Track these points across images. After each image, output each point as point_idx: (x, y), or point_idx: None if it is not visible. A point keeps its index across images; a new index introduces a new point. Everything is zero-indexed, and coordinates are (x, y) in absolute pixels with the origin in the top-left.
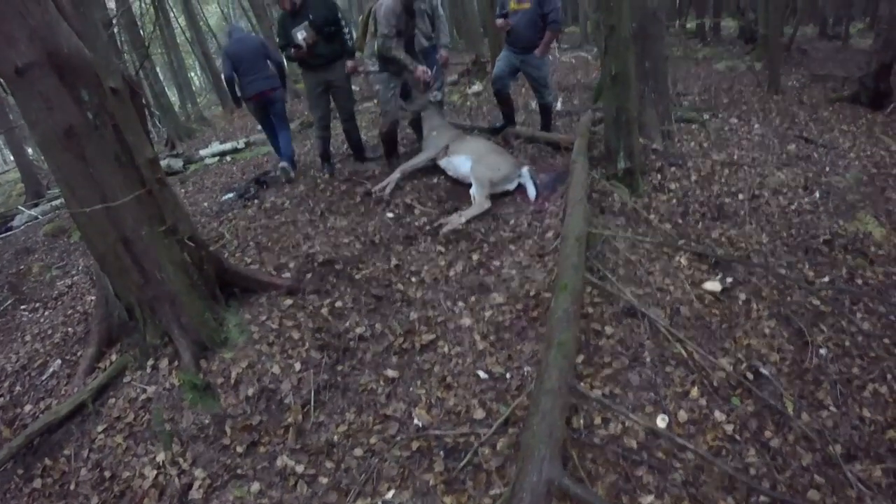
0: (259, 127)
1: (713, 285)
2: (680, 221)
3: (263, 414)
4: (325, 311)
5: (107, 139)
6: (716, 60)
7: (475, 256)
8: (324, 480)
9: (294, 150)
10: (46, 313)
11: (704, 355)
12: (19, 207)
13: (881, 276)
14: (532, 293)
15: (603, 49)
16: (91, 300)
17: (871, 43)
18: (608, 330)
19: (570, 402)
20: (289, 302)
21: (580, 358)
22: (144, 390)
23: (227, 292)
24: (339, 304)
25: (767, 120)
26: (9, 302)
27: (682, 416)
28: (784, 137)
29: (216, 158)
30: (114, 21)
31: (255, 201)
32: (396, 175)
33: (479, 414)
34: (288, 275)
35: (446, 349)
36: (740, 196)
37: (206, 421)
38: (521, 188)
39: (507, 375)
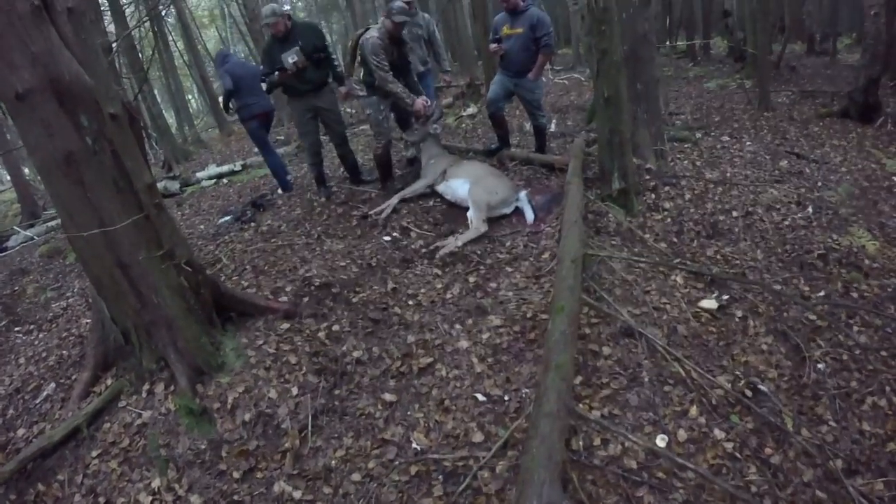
0: (256, 150)
1: (709, 303)
2: (675, 240)
3: (260, 439)
4: (322, 334)
5: (105, 165)
6: (706, 79)
7: (472, 279)
8: None
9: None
10: (41, 335)
11: (702, 373)
12: (15, 228)
13: (876, 288)
14: (529, 315)
15: (595, 72)
16: (86, 323)
17: (858, 58)
18: (606, 350)
19: (569, 424)
20: (286, 326)
21: (578, 379)
22: (140, 415)
23: (224, 316)
24: (336, 327)
25: (759, 137)
26: (3, 323)
27: (682, 435)
28: (776, 154)
29: (213, 181)
30: (114, 47)
31: (252, 224)
32: (394, 200)
33: (478, 437)
34: (285, 298)
35: (444, 372)
36: (734, 213)
37: (203, 446)
38: (518, 211)
39: (506, 398)
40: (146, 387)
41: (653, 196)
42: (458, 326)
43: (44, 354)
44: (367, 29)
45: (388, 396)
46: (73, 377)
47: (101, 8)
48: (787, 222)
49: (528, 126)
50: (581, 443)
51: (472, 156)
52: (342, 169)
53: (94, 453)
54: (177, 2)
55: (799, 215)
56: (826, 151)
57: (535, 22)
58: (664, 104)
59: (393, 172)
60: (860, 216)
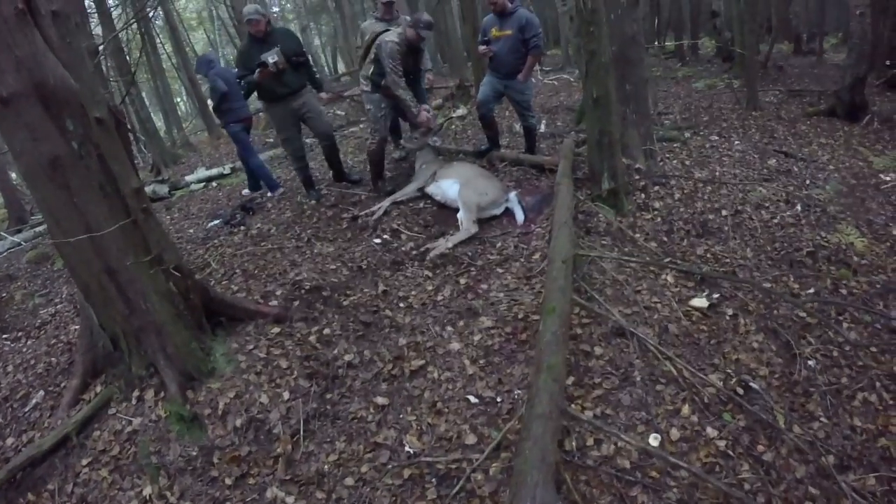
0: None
1: (700, 302)
2: (665, 239)
3: (252, 444)
4: (312, 338)
5: (92, 169)
6: (695, 79)
7: (463, 280)
8: None
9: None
10: (29, 343)
11: (694, 372)
12: (2, 233)
13: (865, 285)
14: (520, 316)
15: (584, 73)
16: (75, 329)
17: (844, 58)
18: (597, 351)
19: (562, 425)
20: (276, 330)
21: (570, 380)
22: (130, 422)
23: (214, 321)
24: (326, 331)
25: (747, 136)
26: None
27: (675, 433)
28: (764, 153)
29: (202, 184)
30: (100, 50)
31: (242, 228)
32: (386, 203)
33: (471, 439)
34: (275, 302)
35: (436, 374)
36: (723, 212)
37: (194, 453)
38: (508, 212)
39: (498, 399)
40: (136, 393)
41: (642, 196)
42: (449, 328)
43: (32, 362)
44: (388, 30)
45: (380, 400)
46: (62, 385)
47: (88, 10)
48: (776, 220)
49: (517, 127)
50: (574, 443)
51: (462, 157)
52: (331, 171)
53: (85, 462)
54: (164, 4)
55: (788, 213)
56: (814, 150)
57: (523, 23)
58: (653, 104)
59: (384, 173)
60: (848, 213)
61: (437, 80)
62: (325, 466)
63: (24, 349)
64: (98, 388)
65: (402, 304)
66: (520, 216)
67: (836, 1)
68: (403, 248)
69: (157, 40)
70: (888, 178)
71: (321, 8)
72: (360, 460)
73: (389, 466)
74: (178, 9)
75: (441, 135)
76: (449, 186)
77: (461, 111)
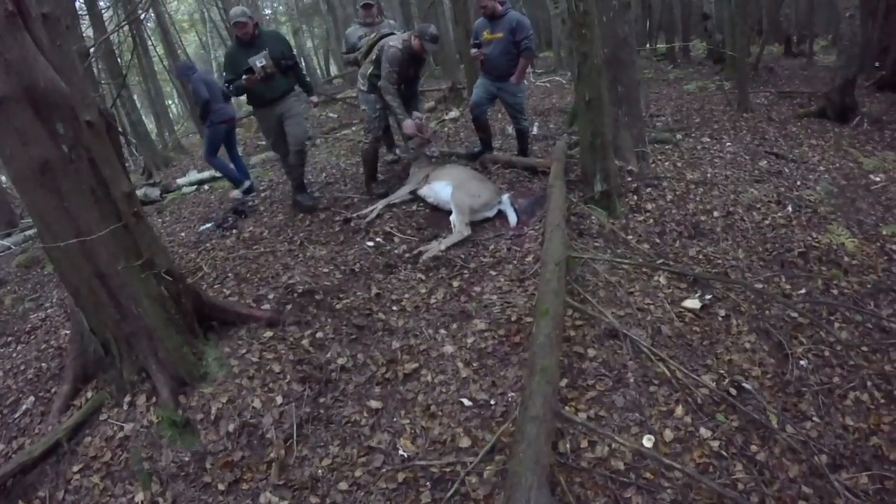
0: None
1: (692, 303)
2: (658, 241)
3: (245, 449)
4: (305, 342)
5: (82, 173)
6: (686, 82)
7: (456, 283)
8: None
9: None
10: (19, 348)
11: (687, 373)
12: None
13: (856, 285)
14: (514, 319)
15: (576, 75)
16: (66, 334)
17: (834, 59)
18: (591, 352)
19: (556, 427)
20: (269, 334)
21: (564, 382)
22: (122, 428)
23: (206, 325)
24: (319, 334)
25: (738, 137)
26: None
27: (668, 435)
28: (755, 154)
29: (194, 187)
30: (91, 52)
31: (234, 231)
32: (380, 206)
33: (465, 442)
34: (267, 306)
35: (429, 378)
36: (715, 213)
37: (186, 458)
38: (501, 215)
39: (492, 402)
40: (127, 399)
41: (635, 198)
42: (442, 331)
43: (22, 367)
44: (393, 34)
45: (373, 403)
46: (53, 390)
47: (79, 13)
48: (767, 221)
49: (510, 129)
50: (568, 445)
51: (455, 159)
52: (324, 174)
53: (76, 468)
54: (156, 6)
55: (779, 214)
56: (804, 151)
57: (514, 26)
58: (645, 106)
59: (377, 175)
60: (839, 214)
61: (429, 83)
62: (319, 471)
63: (14, 354)
64: (89, 394)
65: (395, 308)
66: (513, 218)
67: (826, 3)
68: (396, 251)
69: (149, 43)
70: (878, 179)
71: (313, 10)
72: (353, 464)
73: (383, 470)
74: (170, 11)
75: (435, 139)
76: (442, 189)
77: (454, 114)
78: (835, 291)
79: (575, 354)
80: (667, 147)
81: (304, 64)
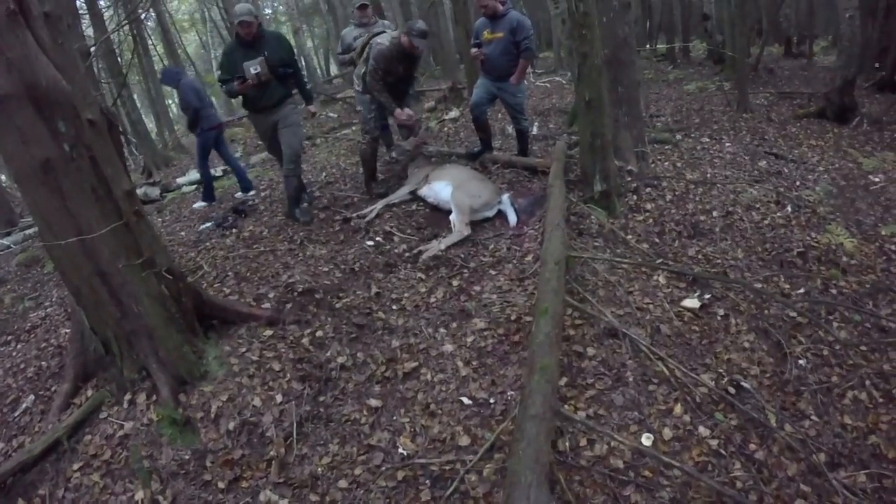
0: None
1: (692, 302)
2: (657, 241)
3: (245, 448)
4: (305, 341)
5: (83, 171)
6: (686, 82)
7: (455, 282)
8: None
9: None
10: (19, 346)
11: (686, 372)
12: None
13: (854, 285)
14: (513, 318)
15: (577, 75)
16: (66, 333)
17: (834, 60)
18: (590, 351)
19: (555, 426)
20: (269, 333)
21: (563, 380)
22: (122, 426)
23: (206, 324)
24: (319, 333)
25: (738, 138)
26: None
27: (667, 433)
28: (755, 154)
29: (194, 187)
30: (92, 51)
31: (234, 230)
32: (379, 205)
33: (465, 441)
34: (267, 305)
35: (429, 376)
36: (714, 213)
37: (186, 457)
38: (501, 214)
39: (491, 401)
40: (128, 397)
41: (634, 197)
42: (442, 330)
43: (22, 366)
44: (384, 32)
45: (373, 402)
46: (53, 389)
47: (80, 11)
48: (766, 221)
49: (510, 129)
50: (567, 444)
51: (455, 159)
52: (324, 174)
53: (76, 466)
54: (157, 5)
55: (778, 214)
56: (804, 151)
57: (514, 26)
58: (645, 107)
59: (377, 174)
60: (838, 214)
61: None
62: (319, 469)
63: (14, 353)
64: (89, 392)
65: (394, 307)
66: (512, 218)
67: (826, 4)
68: (396, 251)
69: (149, 42)
70: (877, 179)
71: (314, 10)
72: (353, 462)
73: (383, 468)
74: (171, 10)
75: (431, 135)
76: (442, 189)
77: (454, 113)
78: (833, 291)
79: (574, 353)
80: (666, 147)
81: (303, 64)
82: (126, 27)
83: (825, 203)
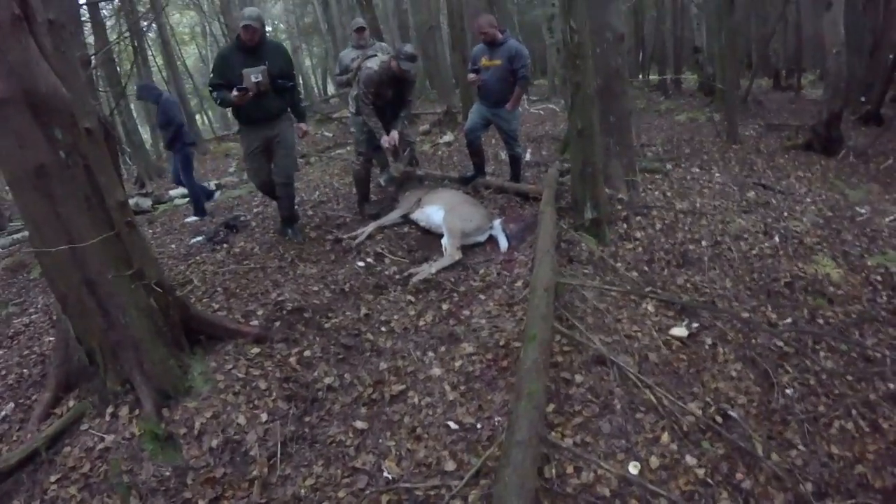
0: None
1: (680, 331)
2: (646, 269)
3: (228, 466)
4: (293, 360)
5: (77, 179)
6: (677, 112)
7: (445, 306)
8: None
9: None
10: (1, 353)
11: (673, 400)
12: None
13: (841, 315)
14: (502, 343)
15: (570, 104)
16: (49, 341)
17: (821, 93)
18: (578, 378)
19: (542, 452)
20: (256, 350)
21: (551, 407)
22: (102, 439)
23: (193, 339)
24: (307, 353)
25: (727, 168)
26: None
27: (654, 461)
28: (743, 185)
29: (186, 199)
30: (93, 60)
31: (225, 245)
32: (370, 227)
33: (450, 465)
34: (256, 322)
35: (416, 400)
36: (703, 243)
37: (167, 473)
38: (492, 239)
39: (478, 426)
40: (110, 410)
41: (624, 226)
42: (430, 354)
43: (3, 373)
44: (375, 55)
45: (359, 424)
46: (34, 397)
47: (82, 19)
48: (754, 251)
49: (503, 155)
50: (554, 471)
51: (448, 183)
52: (317, 193)
53: (53, 478)
54: (158, 18)
55: (766, 244)
56: (791, 182)
57: (513, 54)
58: (636, 136)
59: (370, 195)
60: (825, 245)
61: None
62: (302, 490)
63: None
64: (71, 403)
65: (383, 329)
66: (503, 243)
67: (814, 39)
68: (387, 272)
69: (149, 53)
70: (863, 211)
71: (313, 29)
72: (337, 485)
73: (367, 492)
74: (172, 23)
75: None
76: (434, 212)
77: (448, 137)
78: (820, 321)
79: (562, 380)
80: (657, 176)
81: (301, 82)
82: (127, 37)
83: (812, 234)
